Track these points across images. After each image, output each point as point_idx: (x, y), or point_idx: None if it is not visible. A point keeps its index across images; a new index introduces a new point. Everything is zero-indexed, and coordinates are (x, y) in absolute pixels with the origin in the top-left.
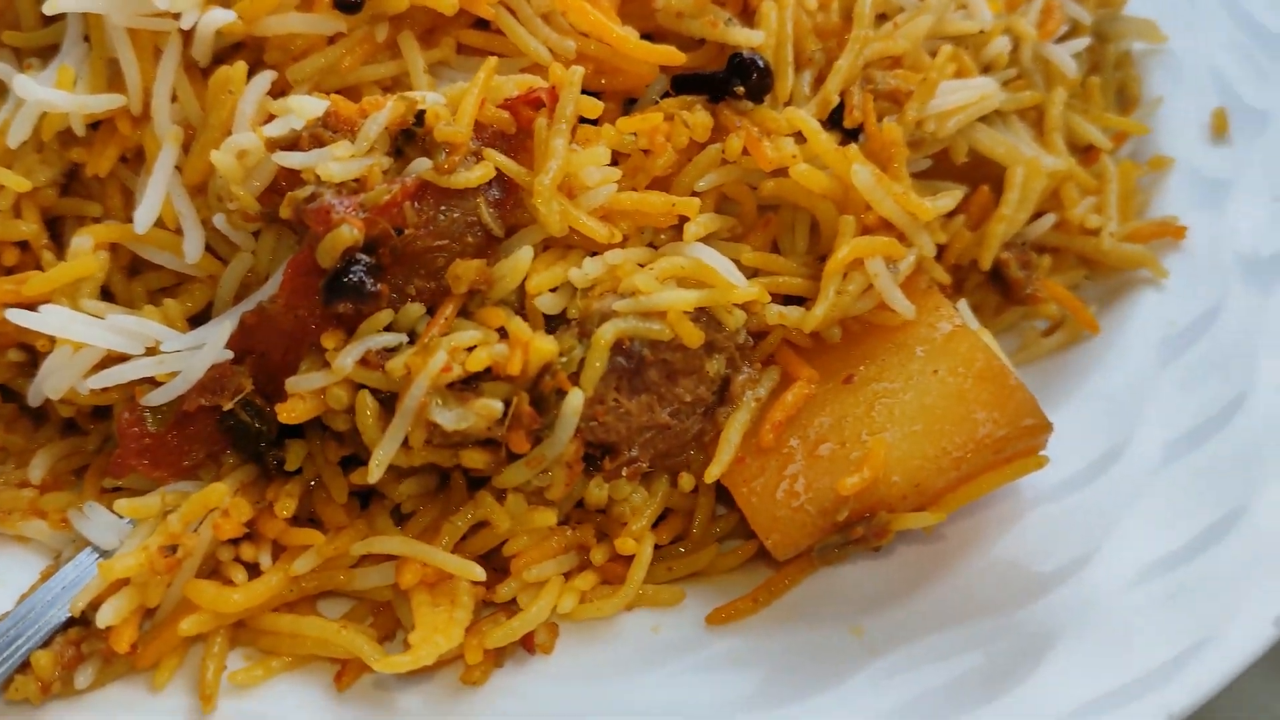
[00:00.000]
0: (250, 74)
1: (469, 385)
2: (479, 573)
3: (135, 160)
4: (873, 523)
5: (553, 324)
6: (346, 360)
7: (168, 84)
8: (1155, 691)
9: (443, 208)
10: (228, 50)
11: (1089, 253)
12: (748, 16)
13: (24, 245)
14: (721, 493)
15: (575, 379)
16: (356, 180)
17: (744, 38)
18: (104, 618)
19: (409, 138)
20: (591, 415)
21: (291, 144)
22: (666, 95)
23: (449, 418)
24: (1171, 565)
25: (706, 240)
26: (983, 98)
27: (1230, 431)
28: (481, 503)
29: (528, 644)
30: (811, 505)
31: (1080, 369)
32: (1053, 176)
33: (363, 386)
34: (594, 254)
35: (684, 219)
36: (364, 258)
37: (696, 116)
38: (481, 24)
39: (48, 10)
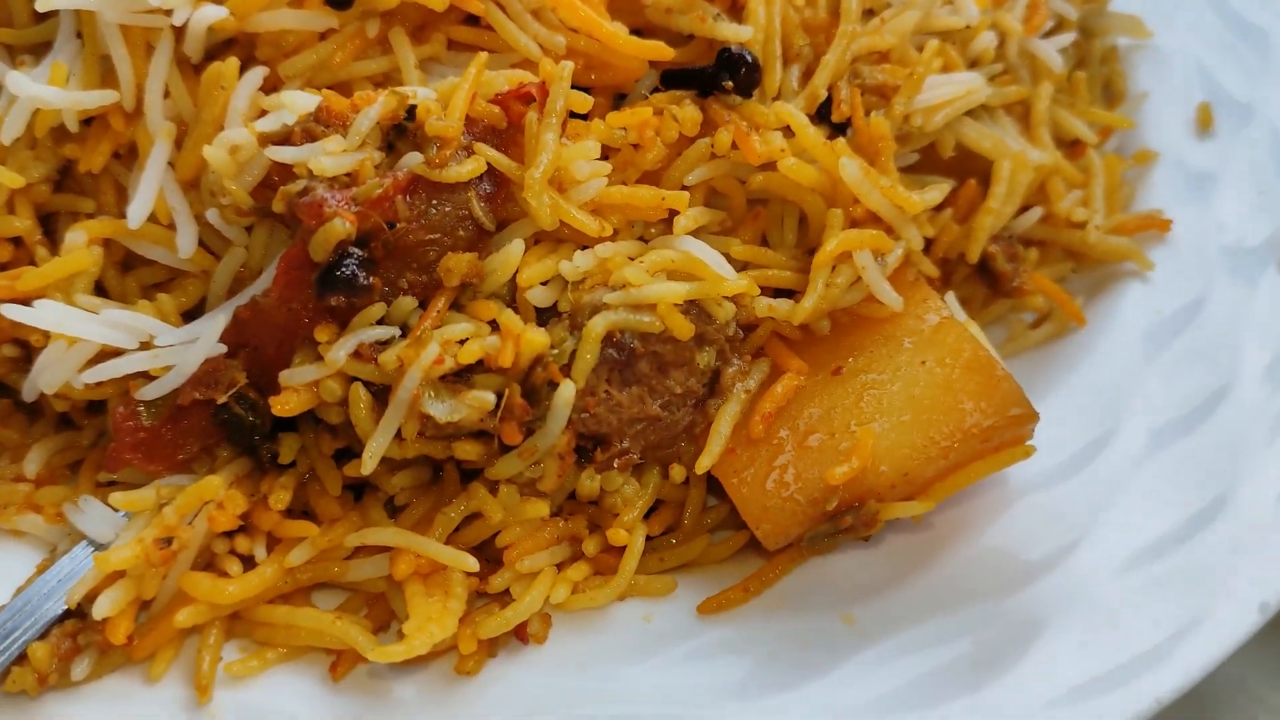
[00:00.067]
0: (242, 70)
1: (461, 378)
2: (472, 563)
3: (128, 156)
4: (862, 512)
5: (544, 317)
6: (339, 353)
7: (160, 80)
8: (1143, 676)
9: (434, 202)
10: (219, 46)
11: (1075, 246)
12: (736, 12)
13: (17, 241)
14: (712, 484)
15: (567, 371)
16: (348, 174)
17: (732, 33)
18: (100, 610)
19: (400, 132)
20: (583, 407)
21: (284, 139)
22: (656, 90)
23: (442, 409)
24: (1158, 552)
25: (696, 234)
26: (969, 92)
27: (1215, 420)
28: (474, 494)
29: (521, 634)
30: (801, 495)
31: (1067, 360)
32: (1039, 170)
33: (356, 379)
34: (584, 247)
35: (673, 212)
36: (356, 251)
37: (686, 111)
38: (472, 20)
39: (40, 7)
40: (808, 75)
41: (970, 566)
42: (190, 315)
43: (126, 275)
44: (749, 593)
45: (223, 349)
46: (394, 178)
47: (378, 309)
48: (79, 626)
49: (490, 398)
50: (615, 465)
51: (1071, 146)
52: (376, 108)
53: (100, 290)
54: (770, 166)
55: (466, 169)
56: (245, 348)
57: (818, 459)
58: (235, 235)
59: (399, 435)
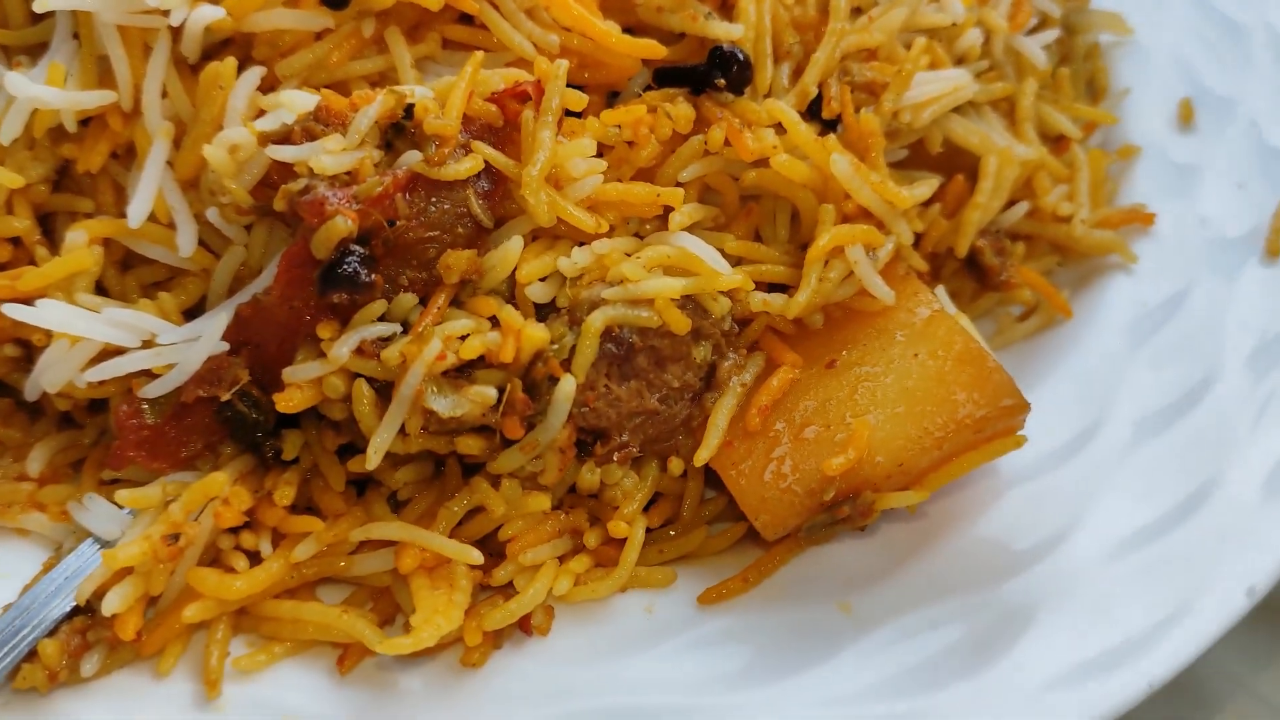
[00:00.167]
0: (239, 70)
1: (462, 373)
2: (477, 556)
3: (126, 156)
4: (858, 502)
5: (542, 313)
6: (342, 350)
7: (158, 80)
8: (1135, 660)
9: (433, 199)
10: (216, 46)
11: (1061, 239)
12: (726, 11)
13: (16, 241)
14: (709, 476)
15: (566, 366)
16: (348, 173)
17: (724, 31)
18: (109, 606)
19: (398, 131)
20: (583, 401)
21: (283, 138)
22: (648, 88)
23: (444, 404)
24: (1147, 539)
25: (691, 230)
26: (956, 89)
27: (1200, 410)
28: (477, 488)
29: (525, 626)
30: (799, 486)
31: (1054, 352)
32: (1025, 166)
33: (359, 375)
34: (580, 244)
35: (668, 209)
36: (358, 249)
37: (679, 109)
38: (466, 19)
39: (38, 8)
40: (798, 73)
41: (964, 555)
42: (191, 314)
43: (126, 274)
44: (748, 583)
45: (225, 347)
46: (394, 176)
47: (379, 306)
48: (88, 623)
49: (492, 393)
50: (615, 459)
51: (1056, 142)
52: (375, 106)
53: (100, 290)
54: (763, 163)
55: (465, 167)
56: (247, 345)
57: (814, 451)
58: (235, 234)
59: (402, 430)
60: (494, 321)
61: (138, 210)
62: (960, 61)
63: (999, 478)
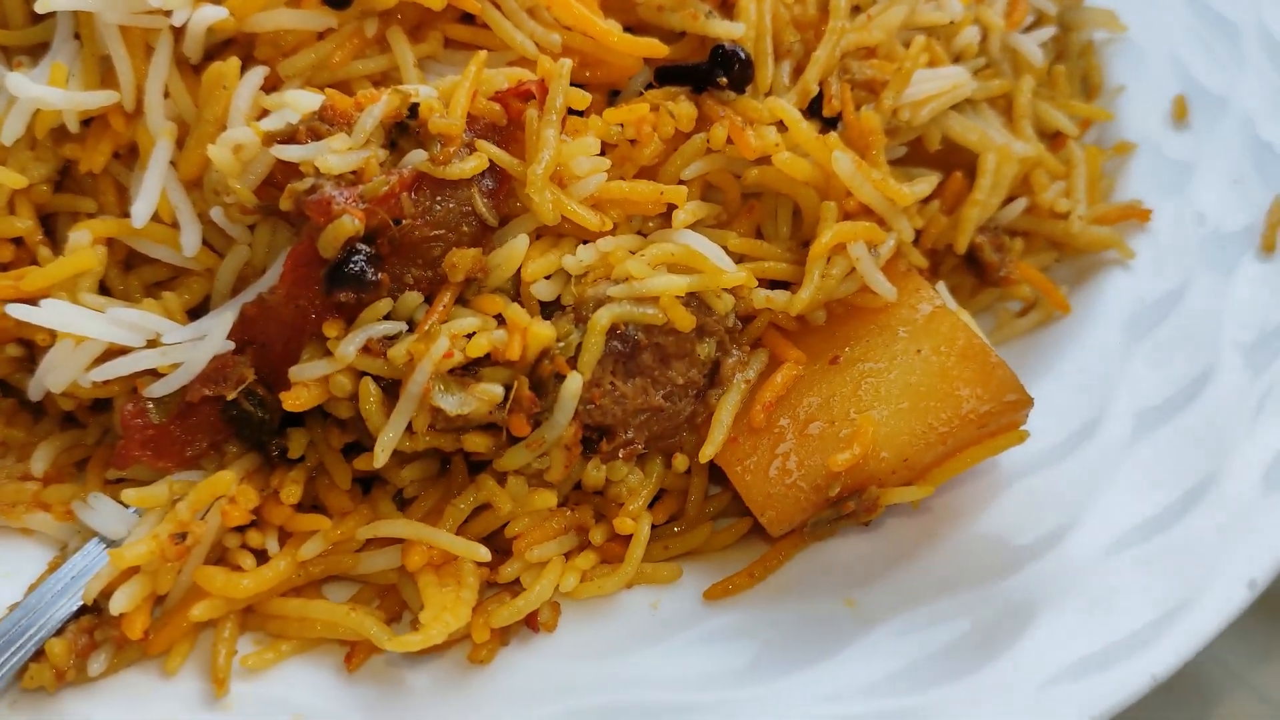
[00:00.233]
0: (241, 70)
1: (469, 371)
2: (484, 553)
3: (128, 156)
4: (863, 498)
5: (547, 310)
6: (349, 348)
7: (160, 80)
8: (1138, 654)
9: (438, 198)
10: (218, 46)
11: (1059, 236)
12: (727, 9)
13: (19, 241)
14: (714, 472)
15: (572, 364)
16: (354, 172)
17: (725, 30)
18: (117, 605)
19: (403, 130)
20: (589, 398)
21: (288, 138)
22: (650, 86)
23: (452, 402)
24: (1148, 533)
25: (694, 227)
26: (955, 86)
27: (1199, 404)
28: (483, 486)
29: (532, 622)
30: (804, 482)
31: (1053, 347)
32: (1023, 162)
33: (365, 374)
34: (584, 241)
35: (672, 207)
36: (364, 248)
37: (681, 107)
38: (467, 18)
39: (40, 9)
40: (798, 71)
41: (967, 550)
42: (195, 313)
43: (129, 274)
44: (753, 578)
45: (231, 346)
46: (399, 175)
47: (384, 304)
48: (95, 622)
49: (499, 390)
50: (620, 455)
51: (1052, 138)
52: (380, 106)
53: (103, 290)
54: (765, 161)
55: (470, 166)
56: (252, 344)
57: (819, 446)
58: (238, 234)
59: (409, 428)
60: (500, 319)
61: (142, 210)
62: (957, 59)
63: (1000, 473)
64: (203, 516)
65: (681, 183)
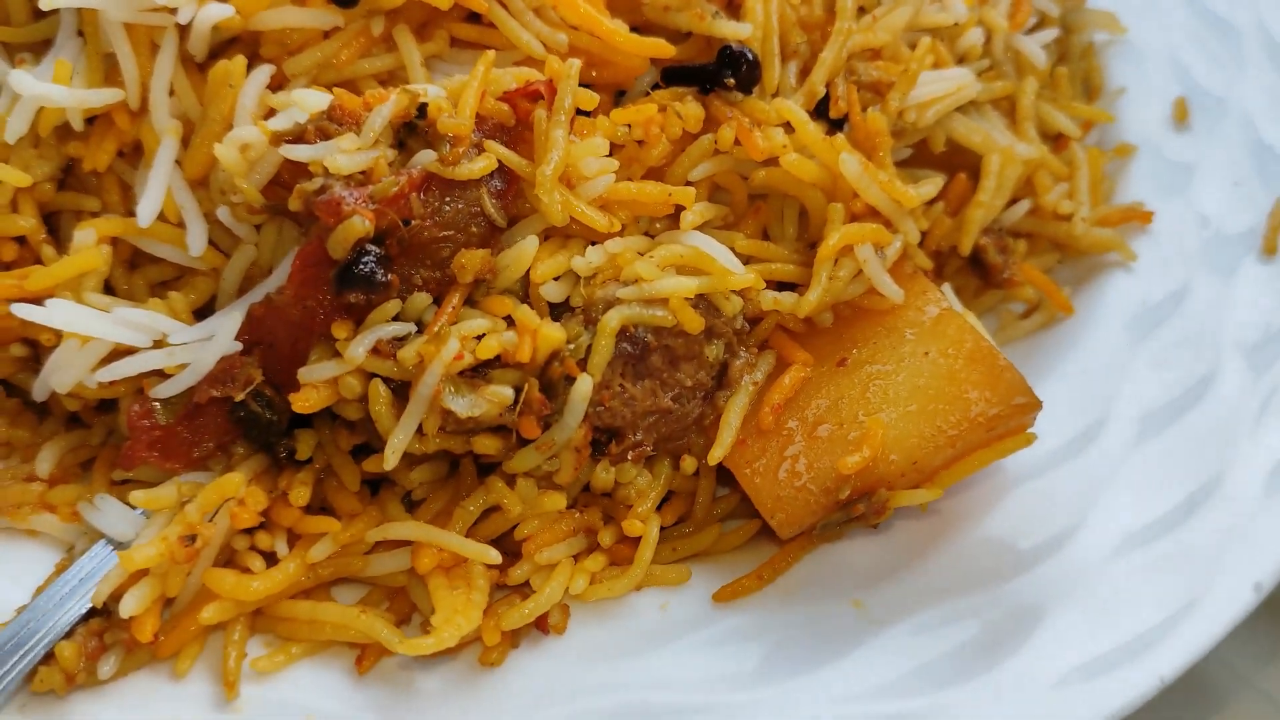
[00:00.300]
0: (246, 68)
1: (478, 373)
2: (495, 556)
3: (132, 154)
4: (873, 500)
5: (556, 312)
6: (358, 350)
7: (165, 79)
8: (1146, 656)
9: (447, 199)
10: (223, 44)
11: (1061, 237)
12: (733, 10)
13: (21, 240)
14: (720, 474)
15: (582, 365)
16: (363, 172)
17: (731, 30)
18: (127, 608)
19: (411, 130)
20: (598, 400)
21: (297, 137)
22: (656, 87)
23: (462, 404)
24: (1153, 536)
25: (701, 229)
26: (960, 88)
27: (1202, 406)
28: (493, 488)
29: (542, 625)
30: (814, 484)
31: (1057, 349)
32: (1027, 164)
33: (375, 375)
34: (592, 243)
35: (679, 208)
36: (374, 249)
37: (689, 108)
38: (474, 17)
39: (45, 5)
40: (804, 72)
41: (974, 552)
42: (200, 313)
43: (133, 273)
44: (763, 580)
45: (238, 346)
46: (409, 175)
47: (393, 305)
48: (104, 625)
49: (509, 392)
50: (629, 457)
51: (1055, 140)
52: (389, 106)
53: (107, 289)
54: (772, 162)
55: (478, 166)
56: (259, 345)
57: (828, 449)
58: (245, 233)
59: (419, 430)
60: (509, 321)
61: (147, 209)
62: (961, 60)
63: (1005, 475)
64: (211, 518)
65: (689, 184)
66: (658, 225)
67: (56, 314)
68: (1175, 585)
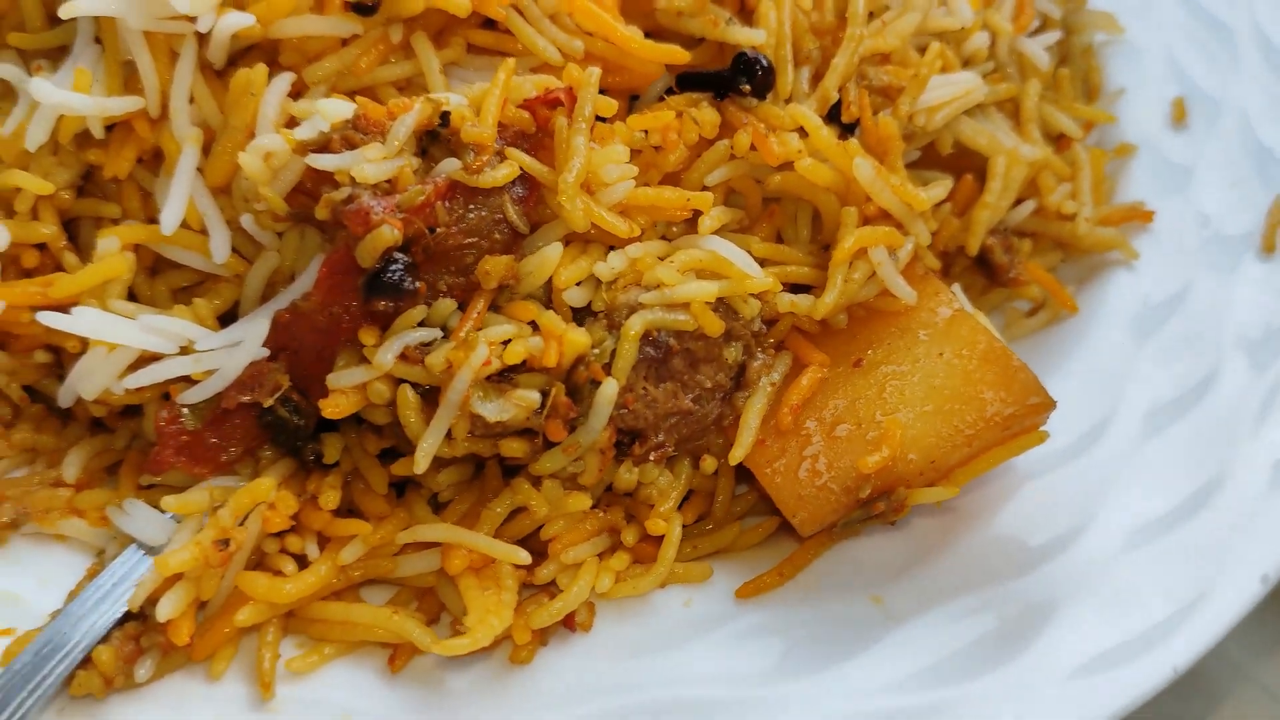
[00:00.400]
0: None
1: (504, 377)
2: (525, 557)
3: (151, 161)
4: (892, 498)
5: (578, 316)
6: (387, 356)
7: (185, 86)
8: (1159, 646)
9: (471, 206)
10: (241, 52)
11: (1065, 237)
12: (745, 16)
13: (41, 247)
14: (737, 473)
15: (607, 369)
16: (388, 181)
17: (745, 37)
18: (164, 611)
19: (433, 138)
20: (622, 403)
21: (321, 146)
22: (670, 92)
23: (491, 409)
24: (1162, 530)
25: (717, 233)
26: (968, 92)
27: (1206, 403)
28: (519, 489)
29: (569, 623)
30: (835, 483)
31: (1062, 347)
32: (1032, 165)
33: (403, 381)
34: (611, 247)
35: (697, 212)
36: (402, 256)
37: (705, 114)
38: (490, 24)
39: (63, 14)
40: (816, 77)
41: (988, 548)
42: (223, 319)
43: (155, 280)
44: (783, 577)
45: (266, 352)
46: (434, 184)
47: (418, 311)
48: (140, 629)
49: (536, 397)
50: (651, 458)
51: (1057, 141)
52: (413, 115)
53: (129, 296)
54: (787, 167)
55: (502, 174)
56: (284, 350)
57: (847, 448)
58: (268, 240)
59: (448, 435)
60: (533, 326)
61: (171, 217)
62: (967, 64)
63: (1016, 472)
64: (242, 522)
65: (705, 188)
66: (674, 229)
67: (83, 321)
68: (1185, 578)
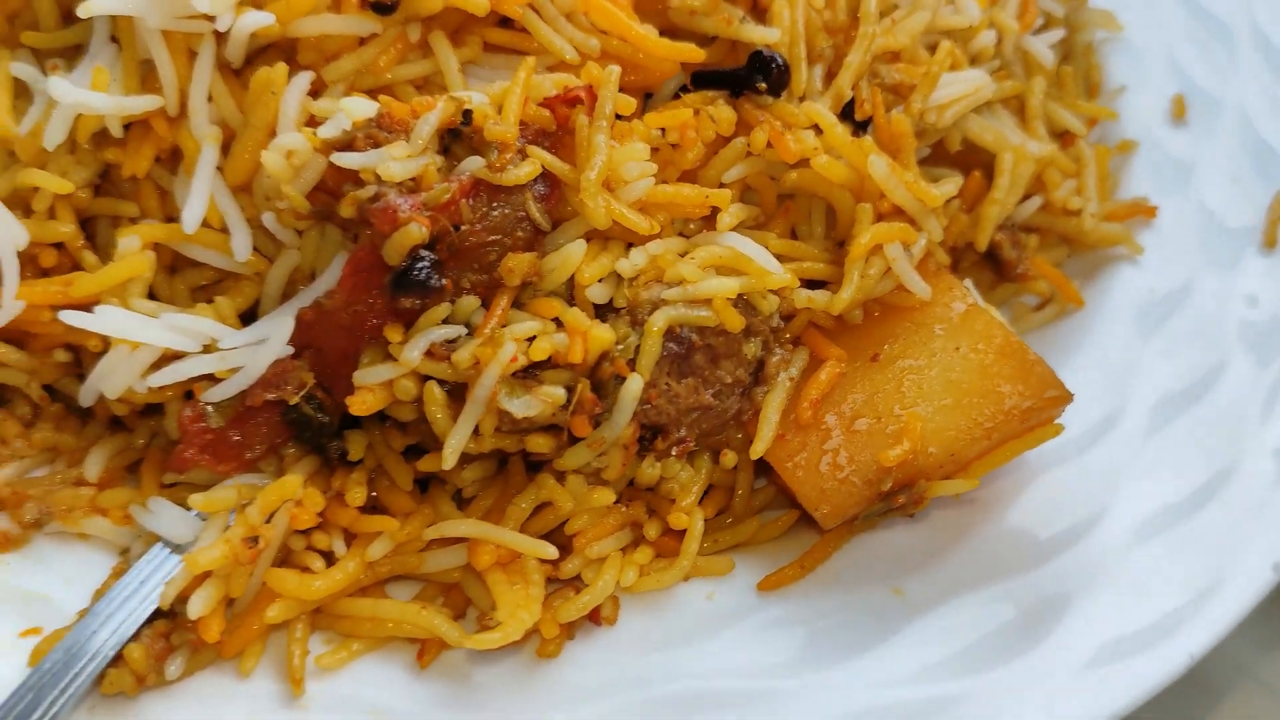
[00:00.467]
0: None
1: (529, 374)
2: (551, 551)
3: (169, 160)
4: (913, 491)
5: (600, 312)
6: (414, 353)
7: (204, 85)
8: (1175, 634)
9: (494, 204)
10: (259, 50)
11: (1071, 232)
12: (758, 14)
13: (59, 246)
14: (756, 467)
15: (631, 365)
16: (412, 179)
17: (759, 35)
18: (194, 609)
19: (455, 136)
20: (645, 399)
21: (345, 145)
22: (685, 90)
23: (518, 405)
24: (1174, 520)
25: (735, 229)
26: (977, 89)
27: (1214, 394)
28: (544, 485)
29: (594, 616)
30: (856, 477)
31: (1069, 341)
32: (1038, 162)
33: (429, 378)
34: (630, 244)
35: (715, 209)
36: (428, 254)
37: (721, 111)
38: (506, 23)
39: (83, 13)
40: (829, 75)
41: (1005, 539)
42: (244, 317)
43: (174, 278)
44: (804, 569)
45: (290, 350)
46: (459, 182)
47: (443, 309)
48: (170, 626)
49: (562, 393)
50: (673, 453)
51: (1061, 137)
52: (436, 113)
53: (148, 295)
54: (803, 164)
55: (524, 172)
56: (308, 348)
57: (868, 442)
58: (289, 238)
59: (475, 431)
60: (557, 322)
61: (192, 215)
62: (974, 61)
63: (1029, 465)
64: (269, 520)
65: (722, 185)
66: (691, 226)
67: (105, 320)
68: (1198, 567)
